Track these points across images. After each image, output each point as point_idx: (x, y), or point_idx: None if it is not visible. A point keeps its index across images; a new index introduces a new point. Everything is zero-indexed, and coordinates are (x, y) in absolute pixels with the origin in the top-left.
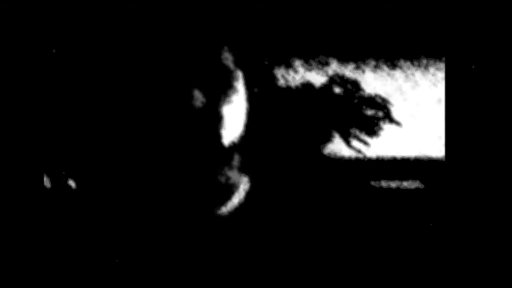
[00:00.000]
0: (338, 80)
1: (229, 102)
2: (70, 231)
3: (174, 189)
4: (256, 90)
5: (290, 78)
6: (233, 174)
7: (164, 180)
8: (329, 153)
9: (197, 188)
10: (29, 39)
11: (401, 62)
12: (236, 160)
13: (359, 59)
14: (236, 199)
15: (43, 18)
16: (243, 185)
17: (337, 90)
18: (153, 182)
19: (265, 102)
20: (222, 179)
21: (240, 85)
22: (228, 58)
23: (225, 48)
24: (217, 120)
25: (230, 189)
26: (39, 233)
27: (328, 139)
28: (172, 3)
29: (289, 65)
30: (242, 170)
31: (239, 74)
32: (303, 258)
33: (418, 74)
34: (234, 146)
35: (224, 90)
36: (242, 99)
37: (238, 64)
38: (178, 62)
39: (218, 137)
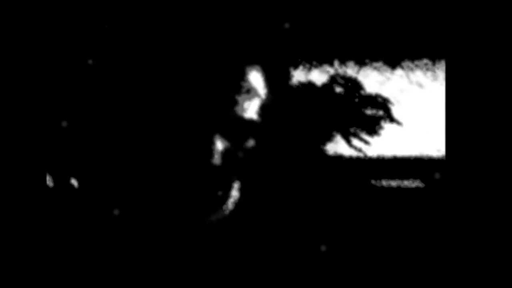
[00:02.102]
0: (339, 80)
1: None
2: (72, 230)
3: (169, 193)
4: (269, 94)
5: (290, 77)
6: (228, 177)
7: (158, 184)
8: (330, 152)
9: (191, 193)
10: (35, 40)
11: (402, 61)
12: (232, 161)
13: (360, 58)
14: (232, 201)
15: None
16: (238, 187)
17: (338, 89)
18: (148, 187)
19: (267, 102)
20: (216, 183)
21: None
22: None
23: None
24: (215, 123)
25: (225, 192)
26: (41, 232)
27: (329, 138)
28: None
29: (290, 65)
30: (238, 171)
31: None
32: (304, 258)
33: (418, 74)
34: (231, 148)
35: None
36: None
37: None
38: (182, 63)
39: (214, 140)
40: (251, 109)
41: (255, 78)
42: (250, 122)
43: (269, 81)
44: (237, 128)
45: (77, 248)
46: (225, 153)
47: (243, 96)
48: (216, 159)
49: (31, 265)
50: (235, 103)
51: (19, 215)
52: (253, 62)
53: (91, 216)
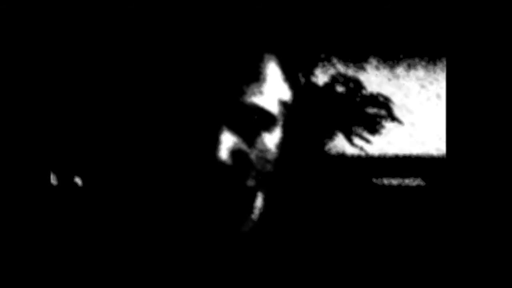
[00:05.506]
0: (341, 79)
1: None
2: (76, 229)
3: (189, 203)
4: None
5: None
6: (250, 189)
7: (177, 192)
8: (332, 151)
9: (214, 206)
10: (35, 38)
11: (403, 60)
12: (252, 173)
13: (361, 58)
14: (255, 213)
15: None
16: (260, 199)
17: (339, 89)
18: (167, 196)
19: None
20: (238, 195)
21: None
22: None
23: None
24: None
25: (248, 204)
26: (45, 230)
27: (331, 137)
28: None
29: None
30: (258, 183)
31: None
32: (311, 261)
33: (419, 73)
34: (250, 161)
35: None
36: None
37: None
38: (191, 66)
39: (235, 151)
40: (263, 101)
41: (270, 68)
42: (263, 114)
43: (286, 73)
44: (248, 121)
45: (81, 247)
46: (237, 154)
47: (254, 87)
48: (225, 157)
49: (34, 263)
50: (246, 94)
51: (23, 213)
52: (267, 51)
53: (98, 213)
